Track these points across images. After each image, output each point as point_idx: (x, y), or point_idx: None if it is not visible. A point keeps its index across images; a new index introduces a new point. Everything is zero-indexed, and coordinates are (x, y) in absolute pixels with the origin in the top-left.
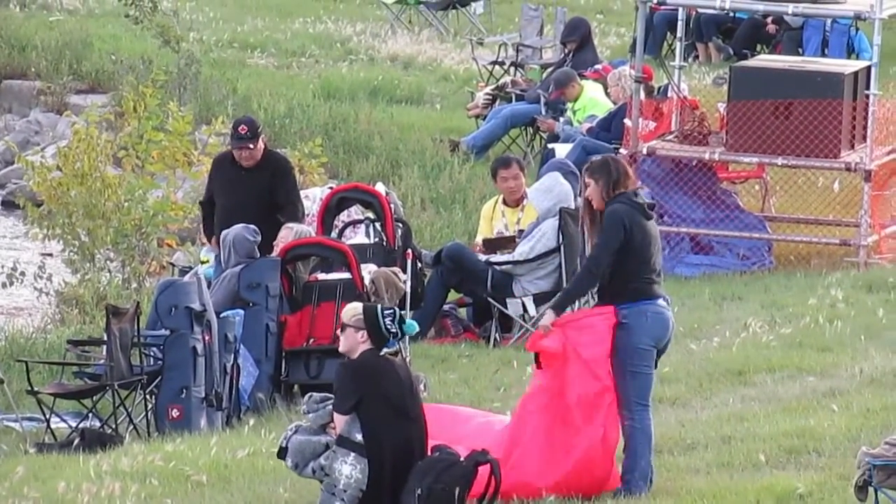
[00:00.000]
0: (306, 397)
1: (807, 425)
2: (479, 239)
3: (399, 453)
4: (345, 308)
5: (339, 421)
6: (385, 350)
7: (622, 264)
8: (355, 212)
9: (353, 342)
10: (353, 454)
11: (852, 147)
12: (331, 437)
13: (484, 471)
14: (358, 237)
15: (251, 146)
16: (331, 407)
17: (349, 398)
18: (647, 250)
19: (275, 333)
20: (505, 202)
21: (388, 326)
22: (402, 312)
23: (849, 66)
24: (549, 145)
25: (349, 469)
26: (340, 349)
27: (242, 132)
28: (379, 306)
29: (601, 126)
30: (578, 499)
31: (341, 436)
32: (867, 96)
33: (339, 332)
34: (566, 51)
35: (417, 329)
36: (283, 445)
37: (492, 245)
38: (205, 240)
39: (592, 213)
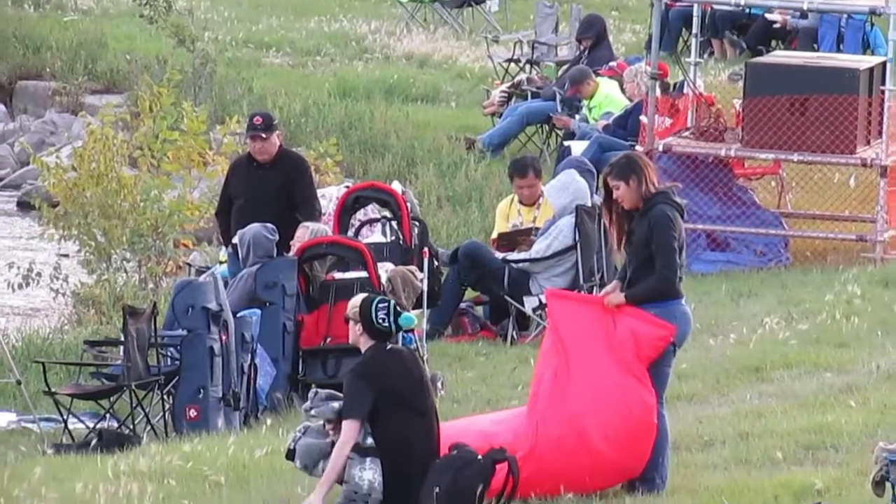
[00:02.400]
0: (311, 393)
1: (824, 421)
2: (494, 235)
3: (412, 450)
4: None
5: (352, 427)
6: (393, 345)
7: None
8: (372, 210)
9: (354, 336)
10: (368, 459)
11: (868, 143)
12: (333, 438)
13: (502, 468)
14: (374, 236)
15: (264, 136)
16: (335, 404)
17: (362, 403)
18: (681, 252)
19: (292, 333)
20: (521, 201)
21: (380, 320)
22: (417, 311)
23: (864, 61)
24: (565, 143)
25: (371, 474)
26: (349, 341)
27: (257, 123)
28: (376, 299)
29: (617, 123)
30: (596, 496)
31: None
32: (883, 92)
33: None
34: (581, 48)
35: (414, 321)
36: (292, 447)
37: (507, 238)
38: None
39: (620, 215)
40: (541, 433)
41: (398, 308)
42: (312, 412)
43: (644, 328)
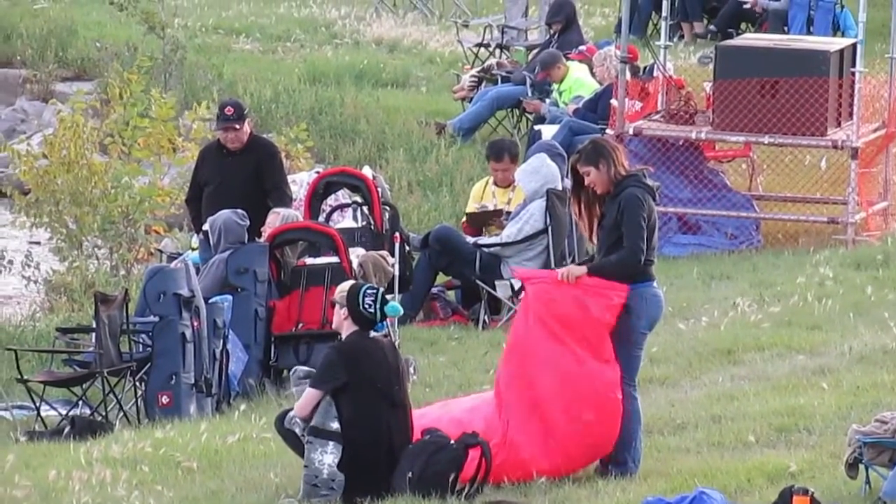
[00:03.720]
0: (292, 372)
1: (797, 404)
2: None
3: (379, 438)
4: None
5: (313, 395)
6: (374, 333)
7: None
8: (342, 196)
9: (338, 320)
10: (331, 443)
11: (839, 125)
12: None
13: (475, 453)
14: (345, 221)
15: (237, 126)
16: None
17: (331, 379)
18: (653, 234)
19: (263, 318)
20: (496, 183)
21: (367, 306)
22: (390, 295)
23: (834, 43)
24: (536, 127)
25: (331, 458)
26: (333, 326)
27: (229, 113)
28: (364, 286)
29: (587, 107)
30: (570, 480)
31: (315, 426)
32: (853, 73)
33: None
34: (551, 32)
35: (400, 312)
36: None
37: (476, 219)
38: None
39: (589, 199)
40: (509, 422)
41: (385, 297)
42: (293, 390)
43: (594, 292)
